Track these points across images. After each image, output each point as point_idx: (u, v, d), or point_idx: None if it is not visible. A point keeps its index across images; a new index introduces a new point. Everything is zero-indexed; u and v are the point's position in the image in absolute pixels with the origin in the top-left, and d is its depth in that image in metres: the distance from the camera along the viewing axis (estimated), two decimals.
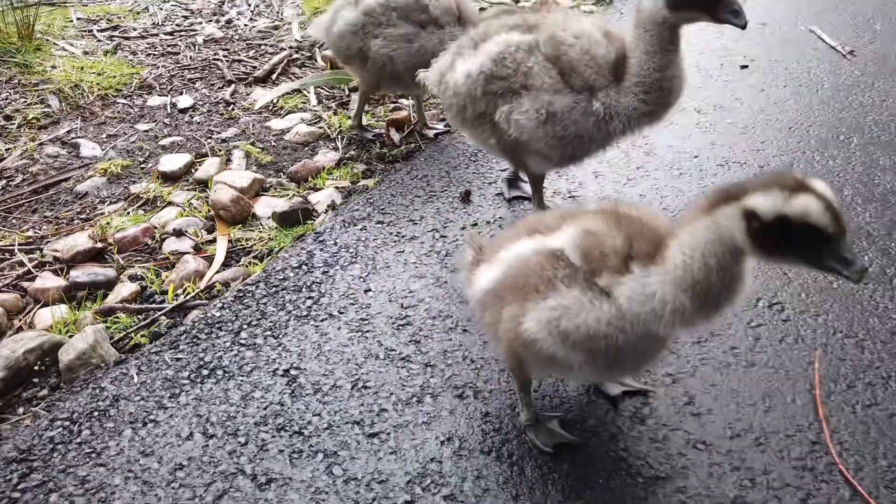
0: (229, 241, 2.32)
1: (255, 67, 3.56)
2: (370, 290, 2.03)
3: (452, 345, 1.84)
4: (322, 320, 1.92)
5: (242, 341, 1.85)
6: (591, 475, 1.50)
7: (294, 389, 1.71)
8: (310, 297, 2.00)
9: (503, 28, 2.01)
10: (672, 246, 1.22)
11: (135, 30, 3.97)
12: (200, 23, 4.09)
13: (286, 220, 2.39)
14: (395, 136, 2.99)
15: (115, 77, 3.35)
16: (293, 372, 1.76)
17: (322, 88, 3.36)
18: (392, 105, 3.22)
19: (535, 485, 1.48)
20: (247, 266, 2.22)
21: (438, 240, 2.25)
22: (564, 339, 1.32)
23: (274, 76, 3.49)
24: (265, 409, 1.66)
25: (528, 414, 1.59)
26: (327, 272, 2.10)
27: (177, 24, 4.07)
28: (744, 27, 1.75)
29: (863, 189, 2.47)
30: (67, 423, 1.62)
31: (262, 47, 3.79)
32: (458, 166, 2.66)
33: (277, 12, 4.26)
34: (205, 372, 1.76)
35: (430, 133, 2.95)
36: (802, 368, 1.75)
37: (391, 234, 2.28)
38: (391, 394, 1.70)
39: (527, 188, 2.40)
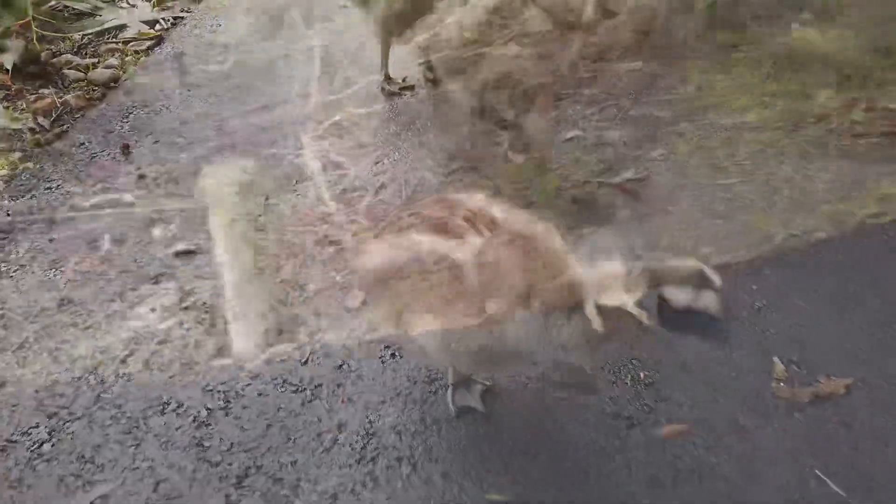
0: None
1: None
2: (55, 238, 2.34)
3: (142, 243, 2.28)
4: (15, 271, 2.20)
5: None
6: None
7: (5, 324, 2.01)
8: None
9: None
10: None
11: None
12: None
13: None
14: (45, 122, 3.16)
15: None
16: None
17: None
18: (34, 96, 3.34)
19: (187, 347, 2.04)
20: None
21: (107, 190, 2.60)
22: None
23: None
24: None
25: (456, 374, 1.61)
26: (6, 238, 2.35)
27: None
28: None
29: None
30: None
31: None
32: (113, 129, 2.98)
33: None
34: None
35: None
36: None
37: (60, 195, 2.57)
38: (96, 298, 2.10)
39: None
